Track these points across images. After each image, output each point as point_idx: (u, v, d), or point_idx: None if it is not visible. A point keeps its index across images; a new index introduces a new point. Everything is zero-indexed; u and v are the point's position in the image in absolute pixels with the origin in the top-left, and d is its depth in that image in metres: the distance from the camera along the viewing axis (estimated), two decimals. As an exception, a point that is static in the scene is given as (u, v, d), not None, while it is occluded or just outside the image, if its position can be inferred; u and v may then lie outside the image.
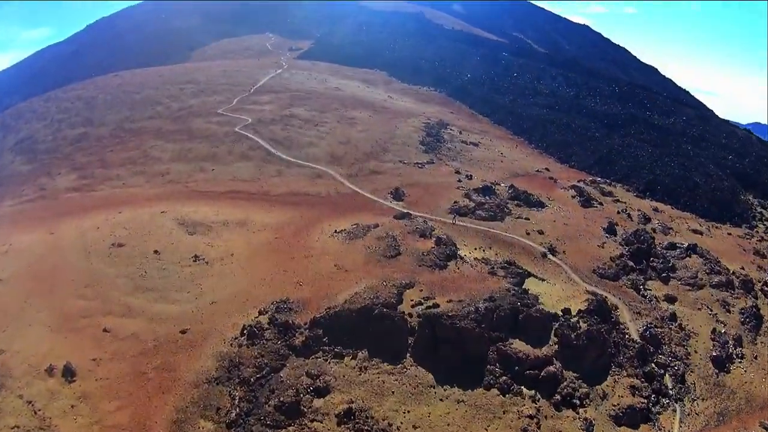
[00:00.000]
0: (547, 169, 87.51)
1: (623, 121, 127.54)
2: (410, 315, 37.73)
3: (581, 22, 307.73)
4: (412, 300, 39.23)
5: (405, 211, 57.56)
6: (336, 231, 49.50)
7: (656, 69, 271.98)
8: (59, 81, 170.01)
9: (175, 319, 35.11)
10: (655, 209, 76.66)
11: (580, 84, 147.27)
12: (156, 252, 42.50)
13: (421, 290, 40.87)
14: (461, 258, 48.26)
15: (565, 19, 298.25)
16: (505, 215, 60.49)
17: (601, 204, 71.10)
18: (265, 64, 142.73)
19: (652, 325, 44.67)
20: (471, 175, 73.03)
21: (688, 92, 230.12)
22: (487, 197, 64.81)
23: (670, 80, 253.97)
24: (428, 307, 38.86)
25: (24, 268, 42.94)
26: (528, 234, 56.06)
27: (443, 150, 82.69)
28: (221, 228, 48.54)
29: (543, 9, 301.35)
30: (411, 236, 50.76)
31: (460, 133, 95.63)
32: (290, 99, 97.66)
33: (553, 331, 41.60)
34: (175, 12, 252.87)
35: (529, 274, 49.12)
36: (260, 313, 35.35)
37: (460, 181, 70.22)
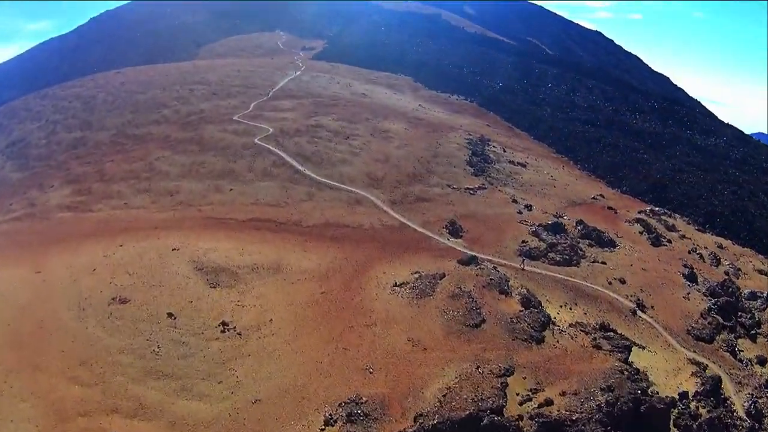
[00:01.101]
0: (602, 196, 78.33)
1: (667, 141, 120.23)
2: (520, 417, 27.95)
3: (588, 27, 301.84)
4: (517, 394, 29.44)
5: (469, 252, 47.92)
6: (396, 284, 39.63)
7: (668, 78, 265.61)
8: (59, 76, 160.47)
9: (206, 426, 25.08)
10: (719, 245, 69.77)
11: (617, 97, 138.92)
12: (171, 315, 32.43)
13: (525, 377, 31.09)
14: (554, 324, 38.81)
15: (577, 24, 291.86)
16: (580, 258, 52.60)
17: (669, 241, 64.08)
18: (281, 64, 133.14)
19: (755, 398, 39.89)
20: (530, 206, 63.52)
21: (700, 103, 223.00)
22: (557, 236, 56.10)
23: (682, 90, 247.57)
24: (541, 405, 29.21)
25: (2, 327, 32.95)
26: (610, 284, 48.47)
27: (492, 172, 72.95)
28: (250, 276, 38.52)
29: (555, 14, 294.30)
30: (488, 292, 40.97)
31: (504, 150, 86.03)
32: (314, 106, 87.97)
33: (672, 421, 34.61)
34: (181, 7, 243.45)
35: (631, 343, 40.89)
36: (327, 423, 25.15)
37: (520, 213, 60.70)
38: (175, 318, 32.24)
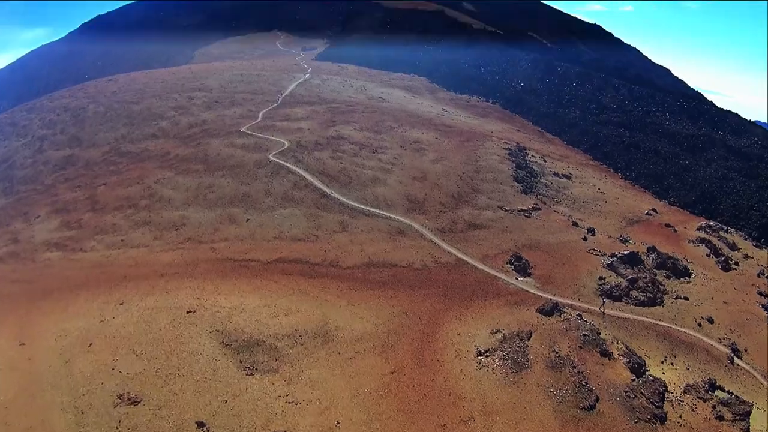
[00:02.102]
0: (654, 210, 70.93)
1: (703, 144, 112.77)
2: None
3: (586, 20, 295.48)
4: None
5: (544, 296, 39.79)
6: (480, 352, 31.16)
7: (669, 70, 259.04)
8: (49, 86, 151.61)
9: None
10: (782, 263, 64.33)
11: (644, 96, 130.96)
12: (201, 426, 23.51)
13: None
14: (668, 391, 31.58)
15: (576, 18, 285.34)
16: (662, 294, 46.19)
17: (737, 264, 59.47)
18: (285, 66, 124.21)
19: None
20: (593, 229, 55.41)
21: (701, 94, 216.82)
22: (634, 268, 48.57)
23: (683, 81, 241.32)
24: None
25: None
26: (699, 325, 43.43)
27: (540, 187, 64.65)
28: (294, 351, 29.70)
29: (553, 8, 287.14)
30: (588, 355, 32.87)
31: (544, 160, 77.80)
32: (330, 113, 79.18)
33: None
34: (175, 10, 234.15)
35: (749, 406, 36.09)
36: None
37: (585, 239, 52.67)
38: (208, 430, 23.36)
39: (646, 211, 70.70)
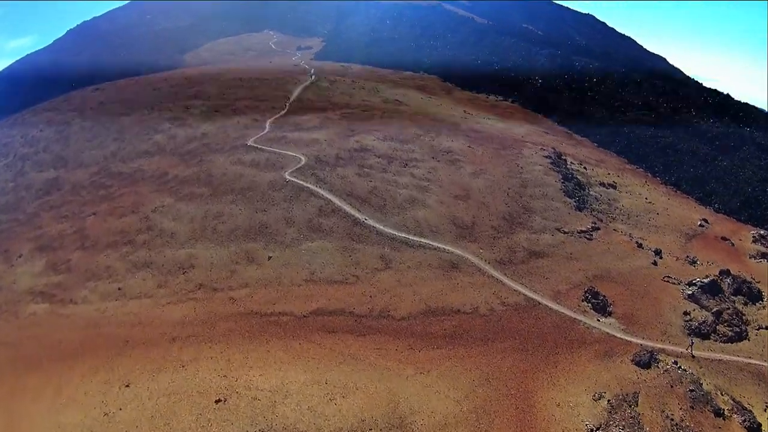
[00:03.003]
0: (705, 221, 64.42)
1: (735, 142, 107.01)
2: None
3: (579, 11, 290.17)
4: None
5: (636, 341, 34.16)
6: (592, 430, 24.57)
7: (665, 59, 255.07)
8: (34, 97, 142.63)
9: None
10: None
11: (668, 92, 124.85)
12: None
13: None
14: None
15: (569, 9, 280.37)
16: (745, 326, 40.93)
17: None
18: (286, 67, 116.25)
19: None
20: (659, 251, 48.92)
21: (698, 82, 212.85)
22: (715, 297, 43.30)
23: (679, 70, 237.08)
24: None
25: None
26: None
27: (591, 201, 57.83)
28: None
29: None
30: (702, 417, 28.56)
31: (585, 168, 71.00)
32: (346, 120, 71.71)
33: None
34: (162, 12, 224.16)
35: None
36: None
37: (655, 264, 46.58)
38: None
39: (698, 222, 64.32)
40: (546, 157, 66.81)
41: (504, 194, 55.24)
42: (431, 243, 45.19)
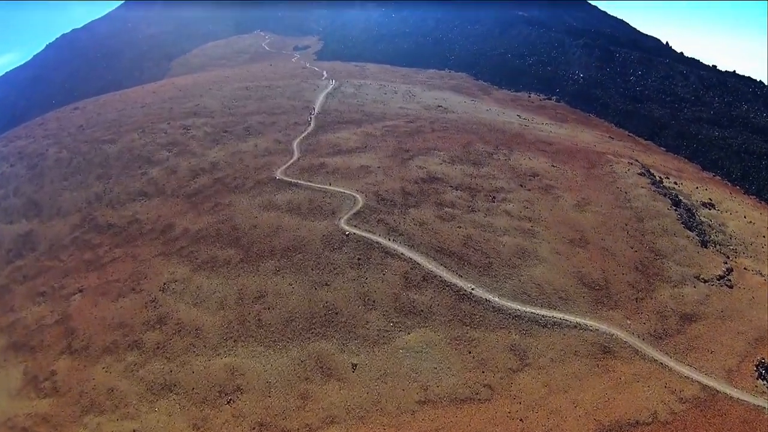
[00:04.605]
0: None
1: None
2: None
3: None
4: None
5: None
6: None
7: (659, 40, 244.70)
8: (14, 117, 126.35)
9: None
10: None
11: (717, 85, 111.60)
12: None
13: None
14: None
15: None
16: None
17: None
18: (293, 71, 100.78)
19: None
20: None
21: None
22: None
23: (681, 53, 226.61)
24: None
25: None
26: None
27: (706, 230, 44.75)
28: None
29: None
30: None
31: (676, 184, 57.36)
32: (393, 136, 56.92)
33: None
34: (143, 19, 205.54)
35: None
36: None
37: None
38: None
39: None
40: (640, 174, 53.03)
41: (624, 233, 41.27)
42: (567, 318, 31.58)
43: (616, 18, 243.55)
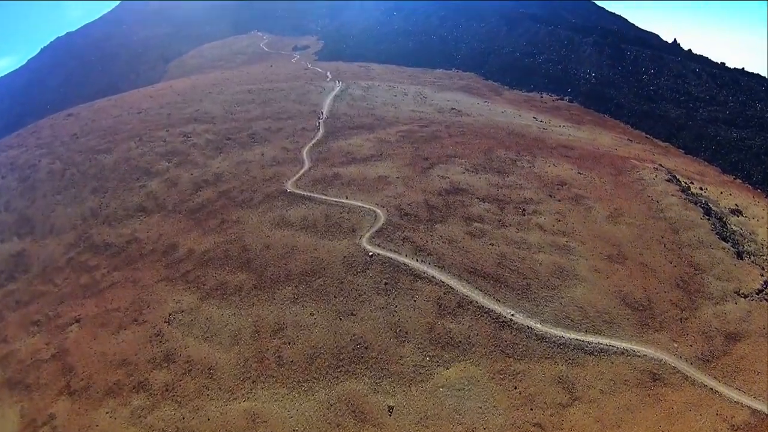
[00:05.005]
0: None
1: None
2: None
3: None
4: None
5: None
6: None
7: (658, 36, 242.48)
8: (9, 124, 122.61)
9: None
10: None
11: (728, 83, 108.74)
12: None
13: None
14: None
15: None
16: None
17: None
18: (295, 72, 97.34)
19: None
20: None
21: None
22: None
23: (689, 51, 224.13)
24: None
25: None
26: None
27: (738, 239, 41.42)
28: None
29: None
30: None
31: (702, 189, 54.42)
32: (409, 142, 53.66)
33: None
34: (139, 21, 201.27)
35: None
36: None
37: None
38: None
39: None
40: (668, 181, 50.04)
41: (661, 247, 38.32)
42: (614, 343, 29.16)
43: (614, 14, 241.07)
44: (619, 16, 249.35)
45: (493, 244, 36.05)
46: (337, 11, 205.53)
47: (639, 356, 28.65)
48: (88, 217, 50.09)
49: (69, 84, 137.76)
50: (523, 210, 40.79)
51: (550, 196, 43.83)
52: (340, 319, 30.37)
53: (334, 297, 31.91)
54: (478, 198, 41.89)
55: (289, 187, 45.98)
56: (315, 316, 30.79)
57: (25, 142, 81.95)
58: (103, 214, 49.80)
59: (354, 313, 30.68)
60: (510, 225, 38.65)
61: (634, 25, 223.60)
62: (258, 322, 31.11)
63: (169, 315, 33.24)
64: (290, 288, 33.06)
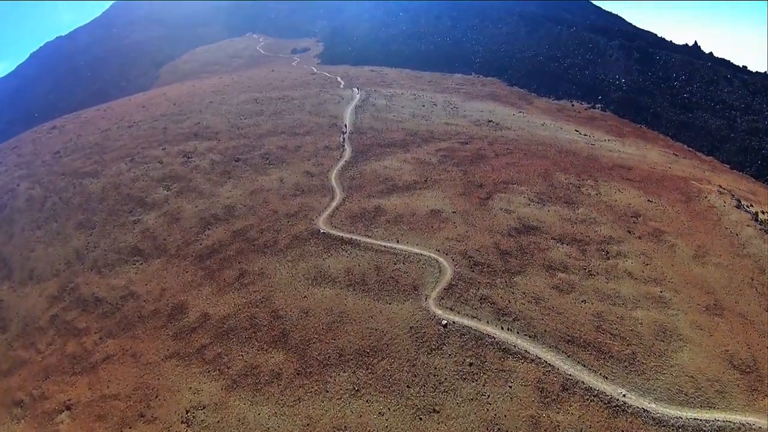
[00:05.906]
0: None
1: None
2: None
3: None
4: None
5: None
6: None
7: (655, 34, 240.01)
8: None
9: None
10: None
11: (761, 89, 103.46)
12: None
13: None
14: None
15: None
16: None
17: None
18: (303, 78, 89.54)
19: None
20: None
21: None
22: None
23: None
24: None
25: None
26: None
27: None
28: None
29: None
30: None
31: (763, 212, 48.30)
32: (453, 163, 46.43)
33: None
34: (129, 24, 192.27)
35: None
36: None
37: None
38: None
39: None
40: (737, 207, 43.80)
41: (753, 291, 32.27)
42: (731, 418, 24.24)
43: (610, 13, 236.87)
44: (616, 15, 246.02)
45: (585, 301, 29.04)
46: (334, 12, 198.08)
47: (755, 430, 22.51)
48: (73, 260, 42.00)
49: (58, 91, 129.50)
50: (607, 253, 33.85)
51: (629, 232, 36.94)
52: (421, 418, 23.03)
53: (407, 387, 24.55)
54: (554, 239, 34.83)
55: (322, 225, 38.44)
56: (386, 416, 23.41)
57: (5, 159, 73.37)
58: (91, 258, 41.72)
59: (437, 409, 23.36)
60: (598, 274, 31.64)
61: (631, 24, 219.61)
62: (310, 426, 23.62)
63: (187, 412, 25.60)
64: (346, 374, 25.60)
